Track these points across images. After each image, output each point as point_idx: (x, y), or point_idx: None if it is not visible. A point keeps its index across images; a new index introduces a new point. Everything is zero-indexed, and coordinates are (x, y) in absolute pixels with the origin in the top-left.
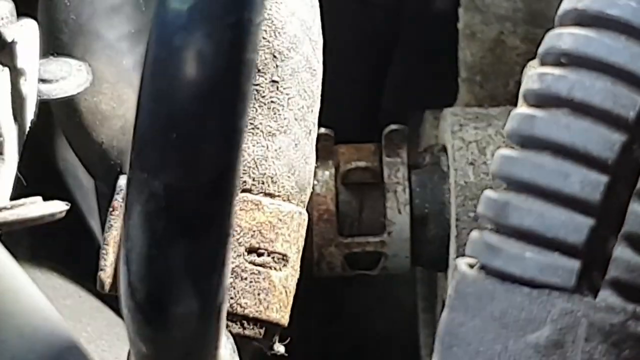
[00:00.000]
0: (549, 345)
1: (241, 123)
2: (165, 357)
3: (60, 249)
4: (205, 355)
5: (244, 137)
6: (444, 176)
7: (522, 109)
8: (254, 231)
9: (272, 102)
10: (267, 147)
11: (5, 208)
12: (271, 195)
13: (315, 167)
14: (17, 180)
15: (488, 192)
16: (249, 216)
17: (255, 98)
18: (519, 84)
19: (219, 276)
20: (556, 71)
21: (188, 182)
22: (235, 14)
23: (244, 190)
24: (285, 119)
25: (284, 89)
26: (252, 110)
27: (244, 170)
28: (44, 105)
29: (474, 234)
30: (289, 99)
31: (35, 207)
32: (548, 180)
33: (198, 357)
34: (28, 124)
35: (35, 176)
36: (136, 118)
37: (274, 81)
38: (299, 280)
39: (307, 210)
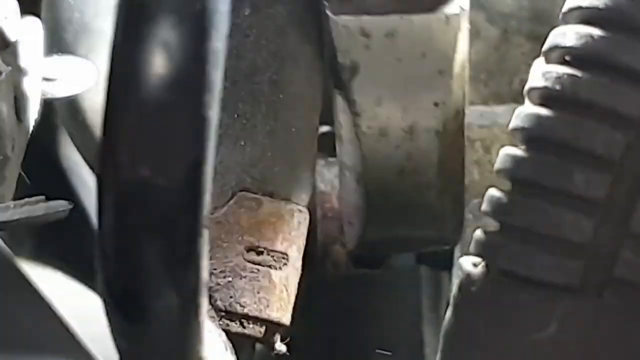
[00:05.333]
0: (554, 344)
1: (211, 113)
2: (144, 353)
3: (63, 248)
4: (186, 350)
5: (215, 127)
6: None
7: (526, 107)
8: (253, 230)
9: (271, 101)
10: (266, 146)
11: (9, 207)
12: (270, 194)
13: (319, 166)
14: (20, 179)
15: (493, 191)
16: (248, 215)
17: (254, 97)
18: (523, 82)
19: (195, 269)
20: (560, 69)
21: (159, 174)
22: (199, 2)
23: (242, 189)
24: (284, 117)
25: (284, 87)
26: (252, 109)
27: (243, 169)
28: (47, 104)
29: (479, 233)
30: (288, 97)
31: (39, 206)
32: (552, 179)
33: (179, 352)
34: (32, 123)
35: (39, 175)
36: (104, 112)
37: (273, 80)
38: (302, 278)
39: (312, 208)
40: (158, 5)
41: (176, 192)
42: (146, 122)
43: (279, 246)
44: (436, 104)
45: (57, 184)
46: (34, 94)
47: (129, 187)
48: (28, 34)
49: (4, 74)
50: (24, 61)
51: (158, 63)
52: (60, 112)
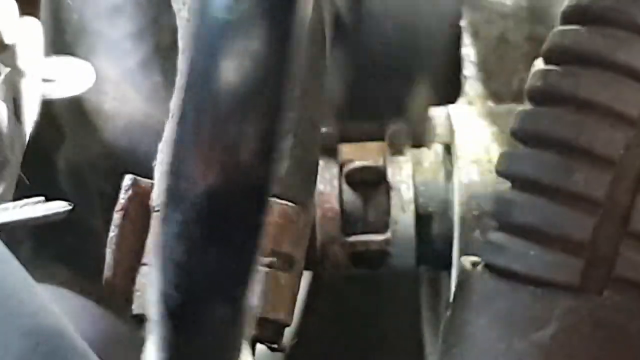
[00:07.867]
0: (554, 343)
1: (281, 127)
2: None
3: (63, 249)
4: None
5: (282, 145)
6: (448, 174)
7: (526, 106)
8: None
9: None
10: None
11: (8, 208)
12: (278, 196)
13: (319, 166)
14: (19, 180)
15: (492, 190)
16: None
17: None
18: (522, 81)
19: (249, 283)
20: (560, 68)
21: (228, 190)
22: (275, 24)
23: None
24: (291, 118)
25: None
26: None
27: None
28: (47, 104)
29: (478, 232)
30: (294, 99)
31: (38, 207)
32: (553, 178)
33: None
34: (31, 124)
35: (38, 176)
36: (176, 126)
37: None
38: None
39: (311, 209)
40: (235, 16)
41: (242, 207)
42: (218, 138)
43: (286, 248)
44: None
45: (56, 184)
46: (34, 95)
47: (197, 201)
48: (27, 35)
49: (2, 75)
50: (23, 62)
51: (233, 81)
52: (60, 113)
